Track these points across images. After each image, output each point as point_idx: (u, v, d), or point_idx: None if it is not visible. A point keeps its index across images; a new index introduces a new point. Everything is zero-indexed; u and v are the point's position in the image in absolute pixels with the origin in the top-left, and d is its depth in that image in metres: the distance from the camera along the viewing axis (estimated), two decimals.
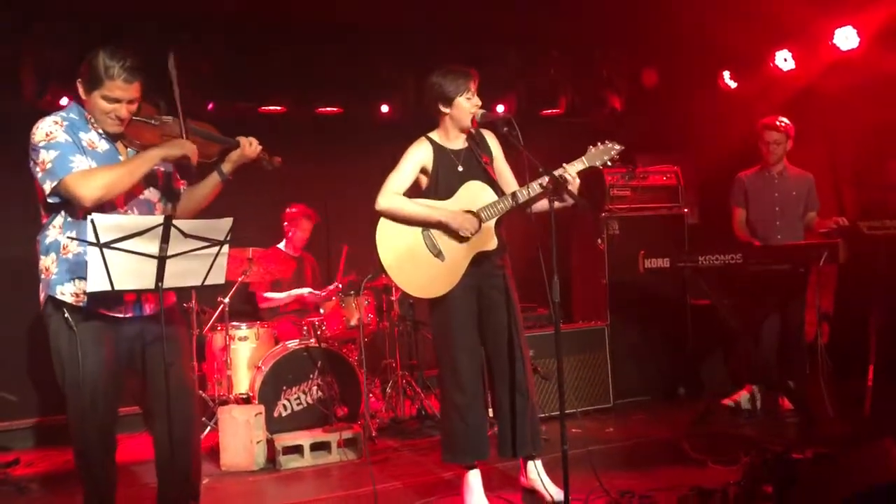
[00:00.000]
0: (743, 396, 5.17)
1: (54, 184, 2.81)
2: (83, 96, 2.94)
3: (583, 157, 3.53)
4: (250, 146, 3.15)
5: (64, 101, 5.20)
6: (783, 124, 5.11)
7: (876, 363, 4.84)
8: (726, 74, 6.43)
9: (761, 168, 5.25)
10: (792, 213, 5.15)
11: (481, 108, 3.59)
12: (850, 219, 4.95)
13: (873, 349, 4.89)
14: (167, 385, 2.84)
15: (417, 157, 3.61)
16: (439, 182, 3.60)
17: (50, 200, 2.86)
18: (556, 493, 3.54)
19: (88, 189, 2.78)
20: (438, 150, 3.63)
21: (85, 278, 2.76)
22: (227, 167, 3.16)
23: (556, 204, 3.37)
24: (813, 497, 2.78)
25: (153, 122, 3.04)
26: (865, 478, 2.54)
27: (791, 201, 5.16)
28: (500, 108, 6.28)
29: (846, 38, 5.45)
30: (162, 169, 3.11)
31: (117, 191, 2.85)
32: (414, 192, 3.62)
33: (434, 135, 3.67)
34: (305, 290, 5.75)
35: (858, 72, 5.48)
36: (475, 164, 3.65)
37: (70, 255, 2.88)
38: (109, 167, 2.87)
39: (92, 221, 2.64)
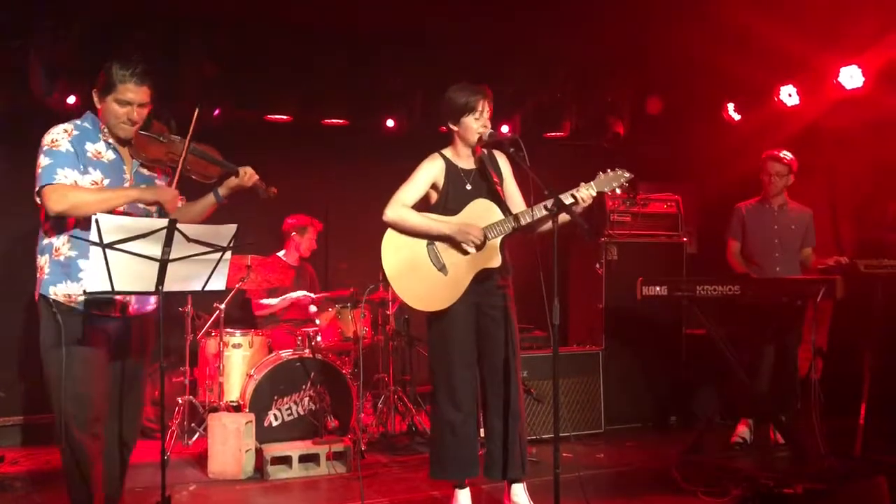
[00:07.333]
0: (744, 430, 5.16)
1: (36, 189, 2.96)
2: (98, 104, 3.10)
3: (592, 183, 3.52)
4: (247, 176, 3.28)
5: (71, 99, 5.21)
6: (787, 157, 5.13)
7: (868, 401, 4.85)
8: (731, 106, 6.46)
9: (761, 200, 5.26)
10: (791, 247, 5.17)
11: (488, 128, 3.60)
12: (847, 256, 4.96)
13: (867, 387, 4.89)
14: (137, 388, 3.15)
15: (430, 172, 3.62)
16: (448, 199, 3.62)
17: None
18: None
19: (55, 202, 2.91)
20: (450, 166, 3.65)
21: (75, 280, 2.97)
22: (223, 191, 3.31)
23: (560, 218, 3.36)
24: None
25: (161, 139, 3.19)
26: None
27: (790, 235, 5.17)
28: (505, 129, 6.30)
29: (851, 77, 5.49)
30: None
31: (82, 213, 2.94)
32: (422, 206, 3.64)
33: (447, 151, 3.69)
34: (300, 293, 5.74)
35: (862, 111, 5.52)
36: (484, 184, 3.66)
37: (61, 258, 3.00)
38: (88, 190, 2.99)
39: (96, 221, 2.71)
